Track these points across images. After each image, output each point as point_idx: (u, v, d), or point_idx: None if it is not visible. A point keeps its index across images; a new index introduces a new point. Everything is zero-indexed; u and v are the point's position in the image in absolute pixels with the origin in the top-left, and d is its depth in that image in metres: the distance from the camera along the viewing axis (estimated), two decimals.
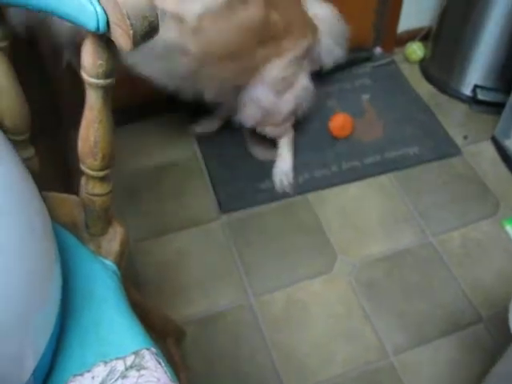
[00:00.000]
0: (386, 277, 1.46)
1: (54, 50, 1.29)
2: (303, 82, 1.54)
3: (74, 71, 1.57)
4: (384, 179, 1.66)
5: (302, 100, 1.57)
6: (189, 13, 1.18)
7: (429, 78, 1.95)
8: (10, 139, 0.72)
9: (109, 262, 0.80)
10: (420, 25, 1.99)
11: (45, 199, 0.71)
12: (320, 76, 1.66)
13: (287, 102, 1.53)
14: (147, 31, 0.54)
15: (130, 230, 0.89)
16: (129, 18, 0.52)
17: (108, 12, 0.55)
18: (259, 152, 1.72)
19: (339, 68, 1.76)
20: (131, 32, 0.53)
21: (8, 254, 0.57)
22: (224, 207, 1.58)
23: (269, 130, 1.60)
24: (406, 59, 2.00)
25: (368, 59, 1.97)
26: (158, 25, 0.54)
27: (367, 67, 1.96)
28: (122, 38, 0.55)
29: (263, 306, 1.40)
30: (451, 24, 1.82)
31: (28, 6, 0.63)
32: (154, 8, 0.53)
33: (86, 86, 0.65)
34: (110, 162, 0.72)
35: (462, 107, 1.88)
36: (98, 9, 0.55)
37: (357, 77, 1.92)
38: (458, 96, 1.88)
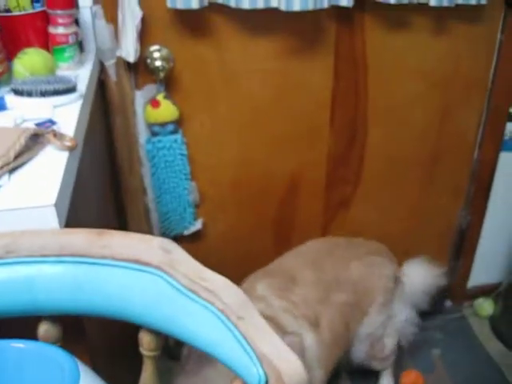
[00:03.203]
0: None
1: None
2: (402, 315, 1.59)
3: None
4: None
5: (404, 331, 1.61)
6: None
7: (499, 335, 1.94)
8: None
9: None
10: (490, 281, 2.04)
11: None
12: None
13: (388, 340, 1.57)
14: None
15: None
16: None
17: (269, 377, 0.62)
18: None
19: None
20: None
21: None
22: None
23: (375, 364, 1.64)
24: (476, 314, 2.02)
25: (438, 311, 2.01)
26: None
27: (437, 320, 1.99)
28: None
29: None
30: None
31: (195, 345, 0.71)
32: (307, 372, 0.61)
33: None
34: None
35: None
36: (261, 373, 0.62)
37: (427, 329, 1.94)
38: None
